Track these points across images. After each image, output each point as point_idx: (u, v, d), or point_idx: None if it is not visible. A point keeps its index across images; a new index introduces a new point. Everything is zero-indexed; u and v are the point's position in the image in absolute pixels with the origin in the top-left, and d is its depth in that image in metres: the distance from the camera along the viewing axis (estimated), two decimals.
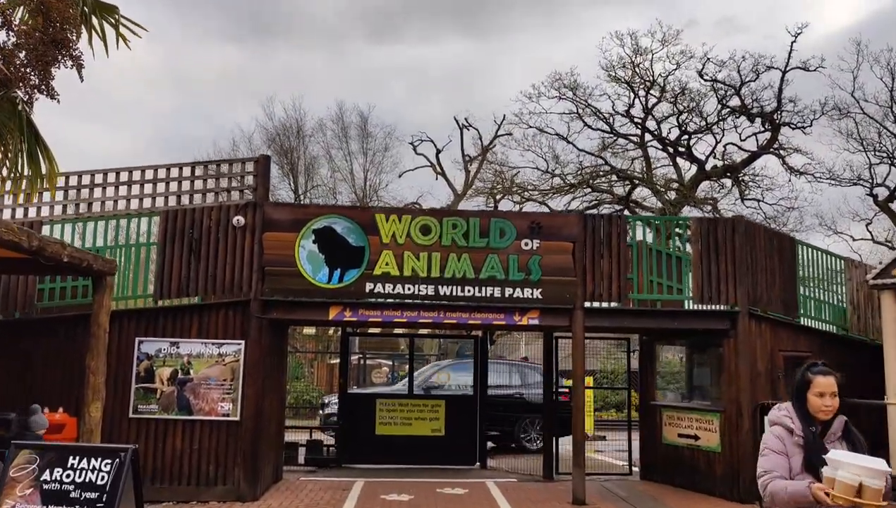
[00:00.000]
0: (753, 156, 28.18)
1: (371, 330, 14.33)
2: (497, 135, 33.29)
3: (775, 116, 28.00)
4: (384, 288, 10.40)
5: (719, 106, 28.01)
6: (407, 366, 26.65)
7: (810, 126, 27.56)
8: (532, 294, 10.53)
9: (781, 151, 28.24)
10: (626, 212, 27.92)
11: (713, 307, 10.97)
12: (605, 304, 10.80)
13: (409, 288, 10.41)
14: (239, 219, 10.37)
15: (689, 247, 11.22)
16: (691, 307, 11.34)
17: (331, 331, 30.18)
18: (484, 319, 10.58)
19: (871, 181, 29.31)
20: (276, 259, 10.34)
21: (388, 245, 10.46)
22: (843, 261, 12.56)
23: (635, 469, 12.92)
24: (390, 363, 27.42)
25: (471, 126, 34.41)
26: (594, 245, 10.75)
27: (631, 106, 29.35)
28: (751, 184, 29.77)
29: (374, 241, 10.46)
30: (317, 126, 31.79)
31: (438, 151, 34.14)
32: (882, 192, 29.34)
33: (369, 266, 10.41)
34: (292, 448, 13.05)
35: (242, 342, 10.32)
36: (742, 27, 46.38)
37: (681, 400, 12.46)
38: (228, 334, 10.38)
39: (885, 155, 28.71)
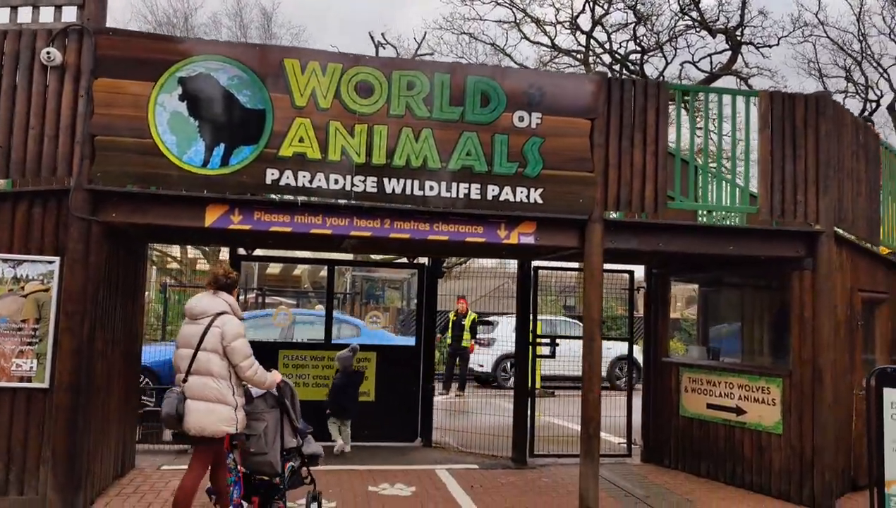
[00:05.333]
0: (712, 77, 25.07)
1: (261, 253, 10.14)
2: (417, 54, 29.14)
3: (737, 33, 24.93)
4: (296, 178, 6.45)
5: (678, 17, 24.65)
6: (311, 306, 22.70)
7: (777, 44, 24.65)
8: (528, 196, 6.79)
9: (742, 72, 25.28)
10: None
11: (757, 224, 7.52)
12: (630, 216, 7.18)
13: (336, 181, 6.50)
14: (51, 54, 6.17)
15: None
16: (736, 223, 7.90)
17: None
18: (453, 233, 6.79)
19: None
20: (116, 123, 6.21)
21: (305, 110, 6.49)
22: None
23: (634, 446, 9.55)
24: (294, 302, 23.31)
25: (388, 42, 30.10)
26: (621, 125, 7.06)
27: (579, 13, 25.70)
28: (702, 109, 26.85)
29: (282, 103, 6.46)
30: (210, 22, 26.77)
31: None
32: None
33: (272, 142, 6.42)
34: (155, 419, 9.05)
35: (56, 259, 6.23)
36: None
37: (708, 356, 9.10)
38: (32, 246, 6.26)
39: (857, 85, 26.24)
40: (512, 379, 14.73)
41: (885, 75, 27.04)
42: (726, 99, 7.80)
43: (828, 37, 26.72)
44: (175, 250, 24.98)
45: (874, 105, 26.21)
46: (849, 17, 27.02)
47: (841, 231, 7.59)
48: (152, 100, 6.27)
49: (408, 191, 6.61)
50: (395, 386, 9.73)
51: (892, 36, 25.58)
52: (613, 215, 7.03)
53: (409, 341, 10.25)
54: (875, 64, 27.02)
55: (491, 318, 18.87)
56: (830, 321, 7.32)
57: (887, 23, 26.21)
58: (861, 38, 26.56)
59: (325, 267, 10.63)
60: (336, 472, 8.01)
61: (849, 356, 7.80)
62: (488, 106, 6.76)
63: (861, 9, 26.18)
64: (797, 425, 7.42)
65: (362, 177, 6.54)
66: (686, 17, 24.63)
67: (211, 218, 6.43)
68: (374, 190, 6.55)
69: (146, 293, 16.48)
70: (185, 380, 5.34)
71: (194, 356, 5.31)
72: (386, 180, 6.57)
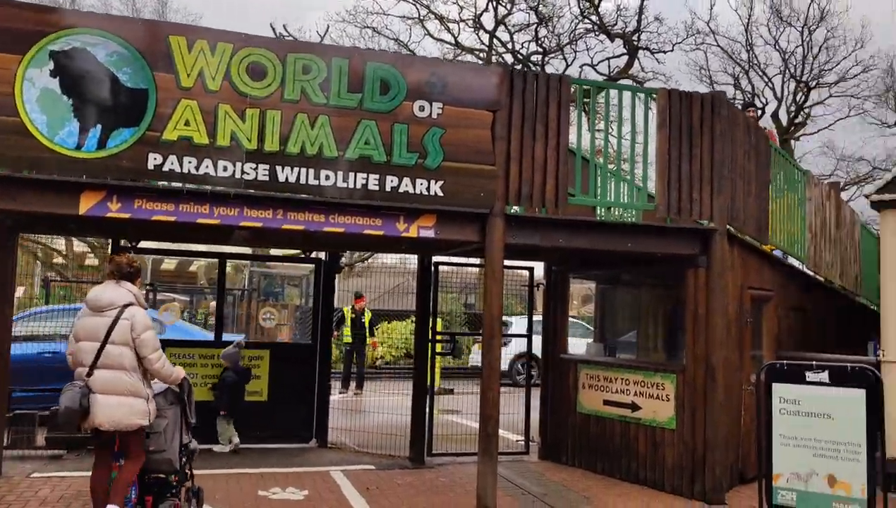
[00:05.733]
0: (611, 80, 25.61)
1: (152, 246, 9.56)
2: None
3: (634, 38, 25.60)
4: (181, 164, 6.04)
5: (578, 20, 25.10)
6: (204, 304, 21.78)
7: (671, 50, 25.46)
8: (428, 188, 6.60)
9: (639, 76, 25.99)
10: None
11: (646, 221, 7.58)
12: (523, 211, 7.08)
13: (225, 168, 6.13)
14: None
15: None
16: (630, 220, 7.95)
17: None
18: (350, 226, 6.52)
19: None
20: None
21: (192, 91, 6.08)
22: (804, 175, 9.69)
23: (532, 444, 9.51)
24: (187, 299, 22.35)
25: (290, 34, 29.45)
26: (523, 118, 6.96)
27: (482, 12, 25.81)
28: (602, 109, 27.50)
29: (166, 83, 6.03)
30: (100, 4, 25.44)
31: None
32: None
33: (155, 124, 5.99)
34: (26, 422, 8.41)
35: None
36: None
37: (605, 352, 9.16)
38: None
39: (744, 93, 27.36)
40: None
41: (769, 84, 28.41)
42: (626, 98, 7.80)
43: (718, 45, 27.84)
44: (61, 244, 23.62)
45: (759, 112, 27.39)
46: (738, 28, 28.08)
47: (733, 229, 7.74)
48: (19, 75, 5.74)
49: (302, 180, 6.29)
50: (289, 384, 9.37)
51: (777, 47, 26.82)
52: (515, 210, 6.92)
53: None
54: (761, 73, 28.33)
55: (504, 319, 19.45)
56: (723, 318, 7.45)
57: (772, 34, 27.50)
58: (748, 47, 27.80)
59: (204, 264, 10.14)
60: (225, 476, 7.61)
61: (738, 353, 7.97)
62: (388, 94, 6.52)
63: (749, 20, 27.31)
64: (690, 420, 7.51)
65: (253, 165, 6.19)
66: (586, 21, 25.17)
67: (86, 205, 5.95)
68: (266, 178, 6.21)
69: (24, 288, 15.52)
70: (89, 374, 5.05)
71: (101, 349, 5.06)
72: (279, 168, 6.24)
